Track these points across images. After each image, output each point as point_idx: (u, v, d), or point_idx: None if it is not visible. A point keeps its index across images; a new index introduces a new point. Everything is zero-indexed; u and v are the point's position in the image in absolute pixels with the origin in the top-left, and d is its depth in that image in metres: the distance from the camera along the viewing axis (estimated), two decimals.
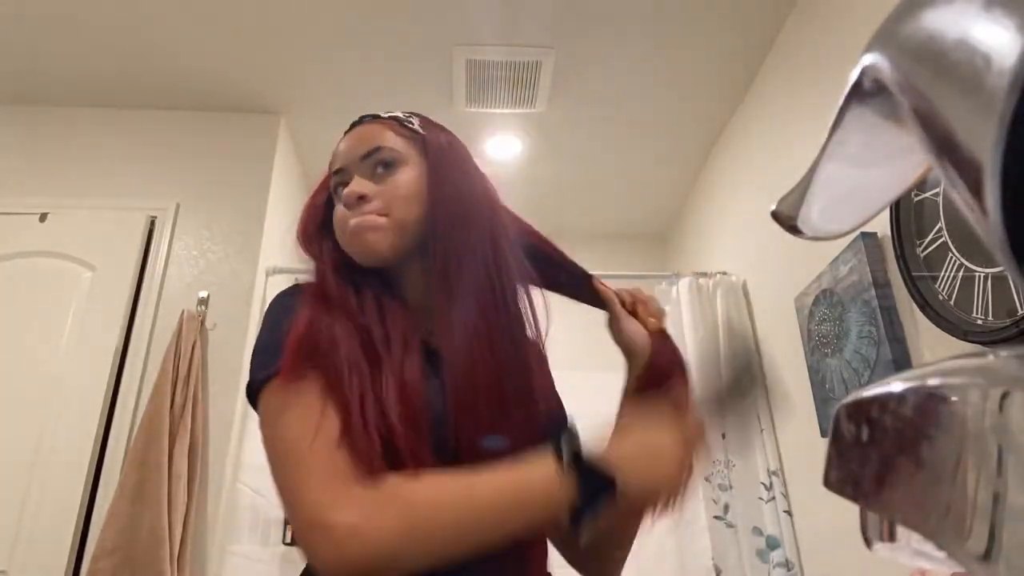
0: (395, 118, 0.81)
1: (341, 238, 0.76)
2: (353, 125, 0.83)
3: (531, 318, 0.77)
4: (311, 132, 2.78)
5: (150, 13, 2.24)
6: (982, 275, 1.30)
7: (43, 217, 2.42)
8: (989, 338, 1.26)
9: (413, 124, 0.81)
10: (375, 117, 0.82)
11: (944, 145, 0.19)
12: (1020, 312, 1.20)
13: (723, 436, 2.25)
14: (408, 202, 0.75)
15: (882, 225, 1.62)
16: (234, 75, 2.51)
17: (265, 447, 0.63)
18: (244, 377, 0.68)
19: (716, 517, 2.14)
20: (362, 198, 0.74)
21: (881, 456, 0.23)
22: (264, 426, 0.64)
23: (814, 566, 2.00)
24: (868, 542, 0.23)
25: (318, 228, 0.80)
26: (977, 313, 1.30)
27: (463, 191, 0.78)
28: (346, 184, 0.76)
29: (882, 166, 0.27)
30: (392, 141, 0.78)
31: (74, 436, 2.12)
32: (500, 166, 2.95)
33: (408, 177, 0.76)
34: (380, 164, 0.76)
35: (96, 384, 2.19)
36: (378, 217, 0.74)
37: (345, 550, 0.55)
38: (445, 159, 0.79)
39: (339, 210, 0.76)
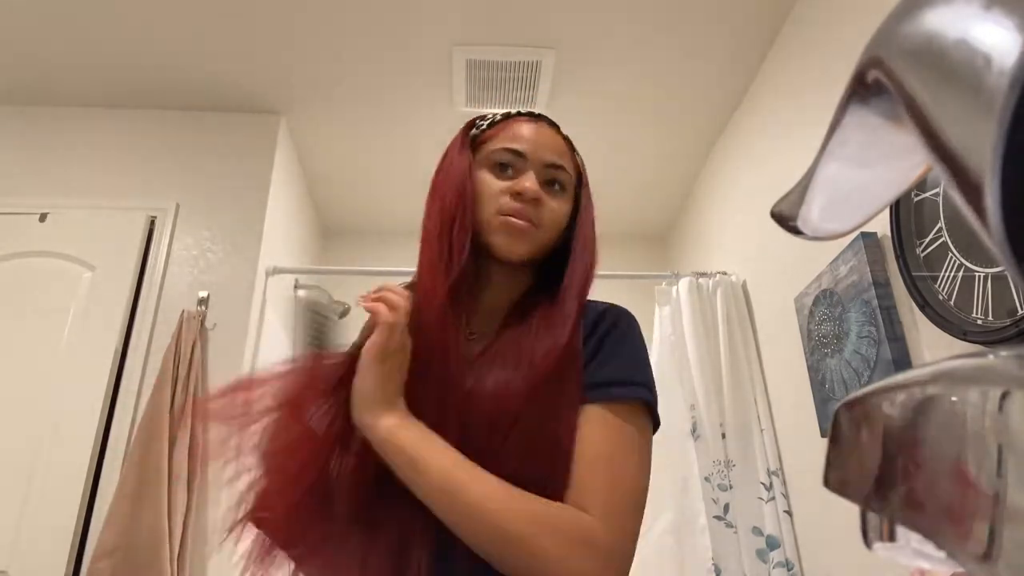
0: (569, 141, 0.85)
1: (489, 208, 0.78)
2: (529, 115, 0.84)
3: None
4: (311, 132, 2.78)
5: (150, 13, 2.24)
6: (982, 275, 1.30)
7: (43, 217, 2.42)
8: (989, 338, 1.26)
9: (579, 158, 0.85)
10: (553, 124, 0.84)
11: (943, 145, 0.19)
12: (1020, 312, 1.20)
13: (723, 436, 2.25)
14: (553, 230, 0.80)
15: (882, 225, 1.62)
16: (234, 75, 2.51)
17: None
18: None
19: (716, 517, 2.14)
20: (537, 202, 0.77)
21: (881, 456, 0.23)
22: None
23: (814, 566, 2.00)
24: (868, 542, 0.23)
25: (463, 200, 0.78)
26: (977, 313, 1.30)
27: (594, 242, 0.83)
28: (516, 167, 0.79)
29: (882, 166, 0.27)
30: (569, 166, 0.82)
31: (74, 436, 2.12)
32: None
33: (565, 210, 0.81)
34: (556, 181, 0.80)
35: (96, 384, 2.19)
36: (533, 226, 0.77)
37: None
38: (589, 205, 0.84)
39: (499, 184, 0.78)
